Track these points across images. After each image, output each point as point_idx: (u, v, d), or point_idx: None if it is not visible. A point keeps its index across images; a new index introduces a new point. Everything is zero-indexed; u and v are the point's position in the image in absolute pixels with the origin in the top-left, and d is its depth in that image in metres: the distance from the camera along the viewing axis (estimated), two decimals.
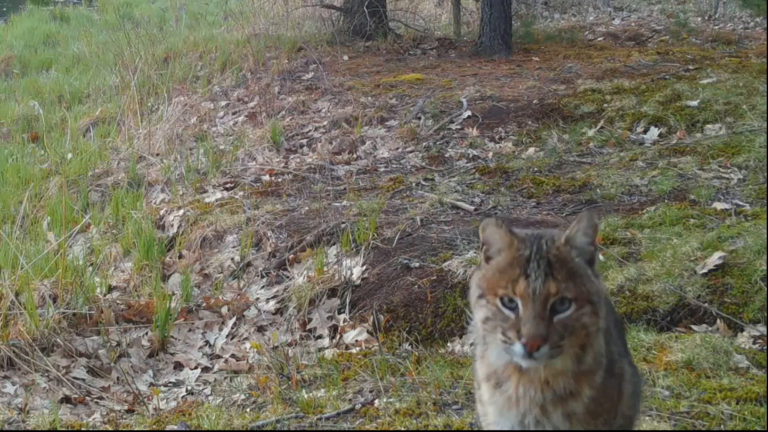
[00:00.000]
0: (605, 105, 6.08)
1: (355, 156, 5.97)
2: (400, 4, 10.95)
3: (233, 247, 4.71)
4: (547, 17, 11.18)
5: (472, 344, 3.44)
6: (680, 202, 4.22)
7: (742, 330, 3.12)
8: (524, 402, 1.59)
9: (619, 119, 5.84)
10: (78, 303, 3.94)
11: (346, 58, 8.69)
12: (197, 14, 13.32)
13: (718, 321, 3.19)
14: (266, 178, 5.68)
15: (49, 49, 11.81)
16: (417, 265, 3.96)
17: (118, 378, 3.65)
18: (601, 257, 3.70)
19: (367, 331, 3.75)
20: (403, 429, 2.66)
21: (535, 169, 5.18)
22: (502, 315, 1.54)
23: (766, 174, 4.48)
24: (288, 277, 4.33)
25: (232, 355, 3.89)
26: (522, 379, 1.59)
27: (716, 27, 9.69)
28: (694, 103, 5.78)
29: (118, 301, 4.16)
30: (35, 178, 6.15)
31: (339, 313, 3.97)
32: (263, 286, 4.37)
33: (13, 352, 3.54)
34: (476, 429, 2.13)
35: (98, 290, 4.22)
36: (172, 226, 5.09)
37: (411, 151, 5.88)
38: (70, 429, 3.05)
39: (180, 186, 5.68)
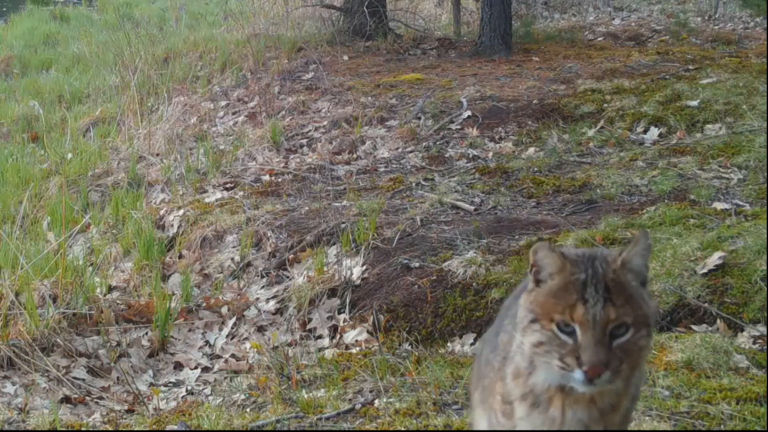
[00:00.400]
0: (605, 105, 6.08)
1: (355, 156, 5.97)
2: (400, 4, 10.94)
3: (233, 247, 4.71)
4: (547, 17, 11.18)
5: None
6: (680, 202, 4.22)
7: (742, 330, 3.12)
8: (569, 422, 1.57)
9: (619, 119, 5.84)
10: (78, 303, 3.94)
11: (346, 58, 8.69)
12: (197, 14, 13.32)
13: (718, 321, 3.19)
14: (266, 178, 5.68)
15: (49, 49, 11.80)
16: (417, 265, 3.96)
17: (118, 378, 3.65)
18: None
19: (367, 331, 3.75)
20: (403, 429, 2.66)
21: (535, 169, 5.18)
22: (558, 341, 1.50)
23: (766, 174, 4.48)
24: (288, 277, 4.33)
25: (232, 355, 3.89)
26: (567, 401, 1.56)
27: (716, 27, 9.68)
28: (694, 103, 5.78)
29: (118, 301, 4.16)
30: (35, 178, 6.15)
31: (339, 313, 3.97)
32: (263, 286, 4.37)
33: (13, 352, 3.54)
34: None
35: (98, 290, 4.22)
36: (172, 226, 5.09)
37: (411, 151, 5.88)
38: (70, 429, 3.05)
39: (180, 186, 5.68)
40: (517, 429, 1.64)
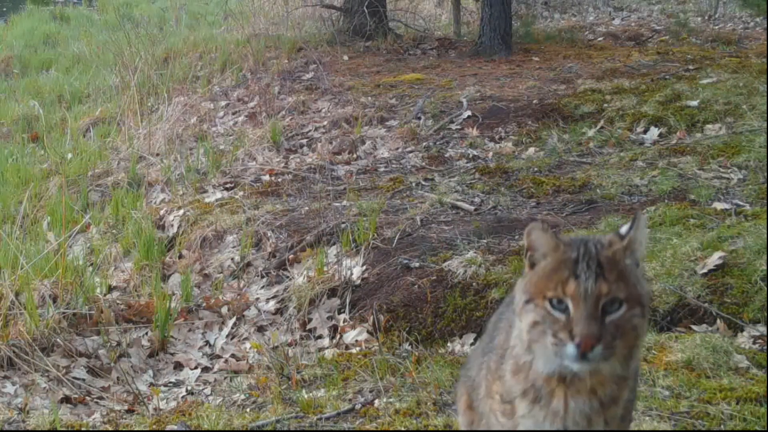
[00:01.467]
0: (605, 105, 6.08)
1: (355, 156, 5.97)
2: (400, 4, 10.94)
3: (233, 247, 4.71)
4: (547, 17, 11.18)
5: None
6: (680, 202, 4.22)
7: (742, 330, 3.12)
8: (572, 414, 1.57)
9: (619, 119, 5.84)
10: (78, 303, 3.94)
11: (346, 58, 8.69)
12: (197, 14, 13.32)
13: (718, 321, 3.19)
14: (266, 178, 5.68)
15: (49, 49, 11.80)
16: (417, 265, 3.96)
17: (118, 378, 3.65)
18: None
19: (367, 331, 3.75)
20: (403, 429, 2.66)
21: (535, 169, 5.18)
22: (551, 317, 1.51)
23: (766, 174, 4.48)
24: (288, 277, 4.33)
25: (232, 355, 3.89)
26: (569, 391, 1.56)
27: (716, 27, 9.69)
28: (694, 103, 5.78)
29: (118, 301, 4.16)
30: (35, 178, 6.15)
31: (339, 313, 3.97)
32: (263, 286, 4.37)
33: (13, 352, 3.54)
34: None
35: (98, 290, 4.22)
36: (172, 226, 5.09)
37: (411, 151, 5.87)
38: (70, 429, 3.05)
39: (180, 186, 5.68)
40: (519, 428, 1.64)
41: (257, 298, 4.27)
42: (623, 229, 1.62)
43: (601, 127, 5.78)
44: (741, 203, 4.17)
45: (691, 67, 6.89)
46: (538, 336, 1.54)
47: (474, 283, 3.72)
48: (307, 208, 4.90)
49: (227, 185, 5.61)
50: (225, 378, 3.63)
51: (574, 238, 1.60)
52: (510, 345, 1.65)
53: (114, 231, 5.19)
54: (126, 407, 3.36)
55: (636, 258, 1.58)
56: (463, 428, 1.94)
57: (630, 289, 1.52)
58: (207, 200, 5.31)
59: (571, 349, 1.48)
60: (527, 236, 1.61)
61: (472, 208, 4.65)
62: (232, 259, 4.61)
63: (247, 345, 3.91)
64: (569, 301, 1.50)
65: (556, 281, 1.52)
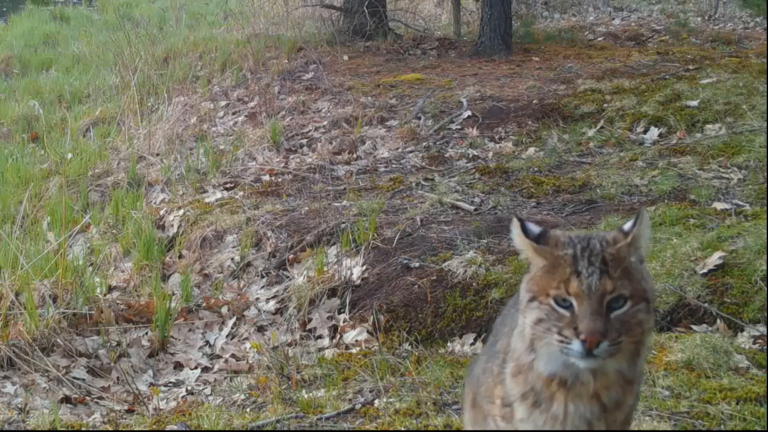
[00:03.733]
0: (605, 105, 6.08)
1: (355, 156, 5.97)
2: (400, 4, 10.94)
3: (233, 247, 4.71)
4: (547, 17, 11.18)
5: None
6: (680, 202, 4.22)
7: (742, 330, 3.12)
8: (572, 419, 1.56)
9: (619, 119, 5.83)
10: (78, 303, 3.94)
11: (346, 58, 8.68)
12: (197, 14, 13.31)
13: (718, 321, 3.19)
14: (266, 178, 5.68)
15: (49, 49, 11.80)
16: (417, 265, 3.96)
17: (118, 378, 3.65)
18: None
19: (367, 331, 3.75)
20: (403, 429, 2.66)
21: (535, 169, 5.18)
22: (556, 314, 1.51)
23: (766, 174, 4.48)
24: (288, 277, 4.33)
25: (232, 355, 3.89)
26: (569, 395, 1.55)
27: (716, 27, 9.69)
28: (694, 103, 5.78)
29: (118, 301, 4.16)
30: (35, 178, 6.15)
31: (339, 313, 3.97)
32: (263, 286, 4.37)
33: (13, 352, 3.54)
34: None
35: (98, 290, 4.22)
36: (172, 226, 5.09)
37: (411, 151, 5.87)
38: (70, 429, 3.05)
39: (180, 186, 5.68)
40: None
41: (257, 298, 4.27)
42: (627, 226, 1.62)
43: (601, 127, 5.78)
44: (741, 203, 4.17)
45: (691, 67, 6.89)
46: (542, 332, 1.53)
47: (474, 283, 3.72)
48: (307, 208, 4.90)
49: (227, 185, 5.61)
50: (225, 378, 3.63)
51: (573, 236, 1.59)
52: (512, 348, 1.64)
53: (114, 231, 5.19)
54: (126, 407, 3.36)
55: (640, 254, 1.58)
56: (467, 427, 1.94)
57: (634, 284, 1.52)
58: (207, 200, 5.31)
59: (576, 346, 1.48)
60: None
61: (472, 208, 4.65)
62: (232, 259, 4.61)
63: (247, 345, 3.91)
64: (573, 300, 1.50)
65: (559, 279, 1.52)
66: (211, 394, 3.50)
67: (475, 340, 3.51)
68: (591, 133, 5.72)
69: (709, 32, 9.08)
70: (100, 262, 4.69)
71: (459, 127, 6.19)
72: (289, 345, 3.83)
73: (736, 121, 5.43)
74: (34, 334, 3.64)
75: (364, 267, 4.11)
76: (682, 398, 2.63)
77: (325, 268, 4.16)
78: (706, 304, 3.25)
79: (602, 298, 1.49)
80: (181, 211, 5.15)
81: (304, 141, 6.41)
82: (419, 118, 6.38)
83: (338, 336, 3.83)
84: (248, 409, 3.02)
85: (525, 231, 1.61)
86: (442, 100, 6.69)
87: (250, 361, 3.75)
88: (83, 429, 3.05)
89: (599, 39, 9.23)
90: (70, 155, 6.56)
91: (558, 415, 1.57)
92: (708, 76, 6.41)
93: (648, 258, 3.55)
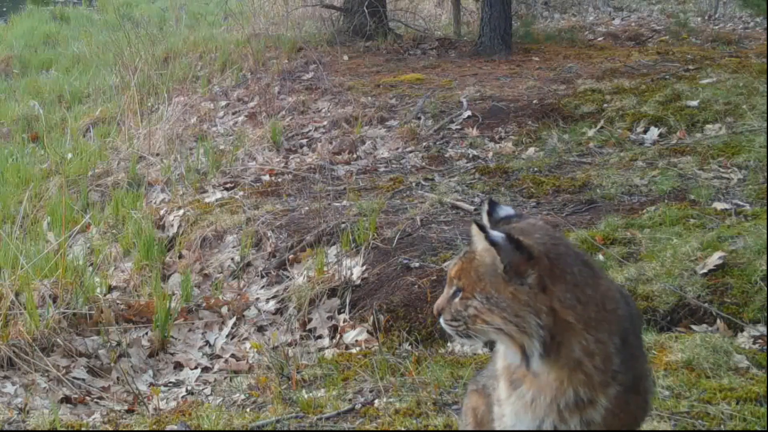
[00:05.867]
0: (605, 105, 6.08)
1: (355, 156, 5.97)
2: (400, 4, 10.94)
3: (233, 247, 4.71)
4: (547, 17, 11.18)
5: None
6: (680, 202, 4.22)
7: (742, 330, 3.12)
8: (539, 407, 1.63)
9: (619, 119, 5.83)
10: (78, 303, 3.94)
11: (346, 58, 8.69)
12: (197, 14, 13.32)
13: (718, 321, 3.19)
14: (266, 178, 5.68)
15: (49, 49, 11.81)
16: (417, 265, 3.96)
17: (118, 378, 3.65)
18: (601, 257, 3.70)
19: (367, 331, 3.75)
20: (403, 429, 2.66)
21: (535, 169, 5.18)
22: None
23: (766, 174, 4.48)
24: (288, 277, 4.33)
25: (232, 355, 3.89)
26: (533, 385, 1.64)
27: (716, 27, 9.69)
28: (694, 103, 5.78)
29: (118, 301, 4.16)
30: (35, 178, 6.15)
31: (339, 313, 3.96)
32: (263, 286, 4.37)
33: (13, 352, 3.54)
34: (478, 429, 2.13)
35: (98, 290, 4.22)
36: (172, 226, 5.09)
37: (411, 151, 5.87)
38: (70, 429, 3.05)
39: (180, 186, 5.68)
40: (506, 420, 1.69)
41: (257, 298, 4.27)
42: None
43: (601, 127, 5.78)
44: (741, 203, 4.17)
45: (691, 67, 6.89)
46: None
47: None
48: (307, 208, 4.90)
49: (227, 185, 5.61)
50: (225, 378, 3.63)
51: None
52: None
53: (114, 231, 5.19)
54: (126, 407, 3.37)
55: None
56: (465, 409, 2.00)
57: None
58: (207, 200, 5.31)
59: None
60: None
61: (472, 208, 4.65)
62: (232, 259, 4.61)
63: (247, 345, 3.91)
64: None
65: None
66: (211, 394, 3.50)
67: None
68: (591, 133, 5.72)
69: (709, 32, 9.08)
70: (100, 262, 4.69)
71: (459, 127, 6.19)
72: (289, 345, 3.83)
73: (736, 121, 5.43)
74: (34, 334, 3.64)
75: (364, 267, 4.11)
76: (682, 398, 2.63)
77: (325, 268, 4.16)
78: (706, 304, 3.25)
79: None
80: (181, 211, 5.15)
81: (304, 141, 6.41)
82: (419, 118, 6.38)
83: (338, 336, 3.83)
84: (248, 409, 3.02)
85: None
86: (442, 100, 6.69)
87: (250, 361, 3.75)
88: (83, 429, 3.05)
89: (599, 39, 9.23)
90: (70, 155, 6.56)
91: (528, 401, 1.65)
92: (708, 76, 6.41)
93: (648, 258, 3.57)
